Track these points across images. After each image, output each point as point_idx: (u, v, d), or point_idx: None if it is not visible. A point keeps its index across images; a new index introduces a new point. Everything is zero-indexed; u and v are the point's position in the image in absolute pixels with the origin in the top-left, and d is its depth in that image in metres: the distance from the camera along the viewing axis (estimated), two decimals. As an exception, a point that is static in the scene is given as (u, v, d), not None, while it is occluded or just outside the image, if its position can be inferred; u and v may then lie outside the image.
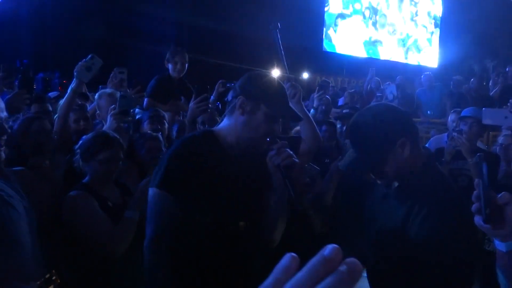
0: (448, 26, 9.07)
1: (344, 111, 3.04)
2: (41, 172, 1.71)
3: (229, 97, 1.34)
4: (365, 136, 1.17)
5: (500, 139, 2.49)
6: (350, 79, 8.12)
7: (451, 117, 3.03)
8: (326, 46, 8.54)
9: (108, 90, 2.43)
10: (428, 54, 9.32)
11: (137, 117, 2.59)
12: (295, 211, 1.48)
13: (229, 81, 2.88)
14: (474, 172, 2.39)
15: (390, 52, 8.93)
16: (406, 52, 9.11)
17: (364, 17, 8.73)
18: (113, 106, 2.01)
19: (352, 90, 5.68)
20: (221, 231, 1.21)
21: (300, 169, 1.54)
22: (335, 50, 8.57)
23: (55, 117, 2.25)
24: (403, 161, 1.14)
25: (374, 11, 8.84)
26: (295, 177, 1.17)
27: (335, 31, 8.58)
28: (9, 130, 1.70)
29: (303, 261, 0.36)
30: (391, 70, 7.00)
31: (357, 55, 8.56)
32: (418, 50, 9.24)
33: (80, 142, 1.68)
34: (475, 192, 0.80)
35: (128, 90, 2.41)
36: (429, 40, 9.36)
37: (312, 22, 8.26)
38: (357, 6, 8.63)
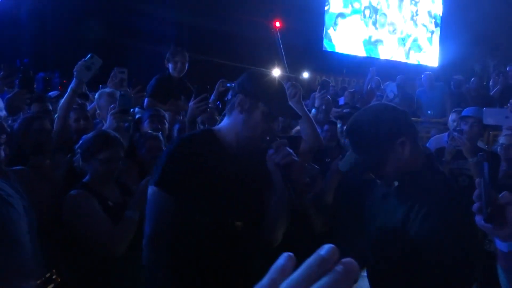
0: (449, 25, 9.07)
1: (344, 110, 3.03)
2: (41, 171, 1.71)
3: (229, 96, 1.33)
4: (365, 136, 1.17)
5: (501, 139, 2.49)
6: (350, 78, 8.11)
7: (451, 116, 3.03)
8: (326, 46, 8.54)
9: (108, 90, 2.43)
10: (428, 54, 9.31)
11: (137, 116, 2.59)
12: (295, 210, 1.47)
13: (229, 80, 2.87)
14: (475, 172, 2.39)
15: (390, 51, 8.92)
16: (408, 52, 9.10)
17: (364, 16, 8.73)
18: (112, 105, 2.01)
19: (353, 90, 5.67)
20: (220, 230, 1.21)
21: (300, 168, 1.53)
22: (335, 49, 8.57)
23: (55, 116, 2.25)
24: (403, 161, 1.14)
25: (374, 10, 8.83)
26: (294, 176, 1.17)
27: (335, 30, 8.58)
28: (9, 130, 1.70)
29: (303, 261, 0.35)
30: (391, 70, 7.00)
31: (357, 55, 8.56)
32: (419, 49, 9.23)
33: (81, 141, 1.68)
34: (476, 192, 0.80)
35: (128, 90, 2.41)
36: (430, 40, 9.36)
37: (312, 21, 8.26)
38: (356, 5, 8.63)
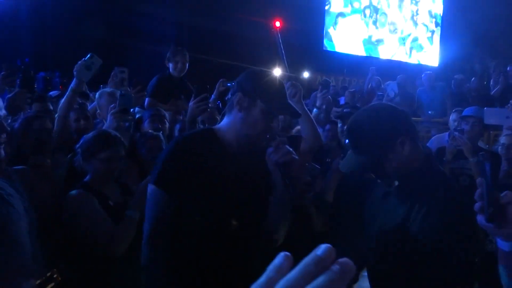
0: (449, 25, 9.06)
1: (344, 110, 3.03)
2: (41, 171, 1.71)
3: (230, 95, 1.33)
4: (364, 136, 1.17)
5: (502, 139, 2.48)
6: (351, 78, 8.11)
7: (452, 116, 3.02)
8: (326, 45, 8.54)
9: (108, 89, 2.43)
10: (429, 53, 9.30)
11: (137, 116, 2.59)
12: (295, 210, 1.47)
13: (229, 80, 2.87)
14: (476, 172, 2.39)
15: (390, 51, 8.92)
16: (410, 51, 9.09)
17: (365, 15, 8.73)
18: (113, 105, 2.01)
19: (353, 89, 5.67)
20: (219, 229, 1.20)
21: (300, 167, 1.53)
22: (335, 49, 8.57)
23: (56, 116, 2.25)
24: (403, 160, 1.14)
25: (375, 9, 8.83)
26: (294, 175, 1.16)
27: (335, 30, 8.57)
28: (9, 129, 1.70)
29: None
30: (391, 69, 7.00)
31: (357, 54, 8.55)
32: (419, 49, 9.23)
33: (81, 141, 1.68)
34: (478, 191, 0.80)
35: (129, 90, 2.41)
36: (430, 39, 9.35)
37: (312, 21, 8.26)
38: (356, 5, 8.62)
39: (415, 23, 9.17)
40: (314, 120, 1.99)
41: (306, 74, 7.29)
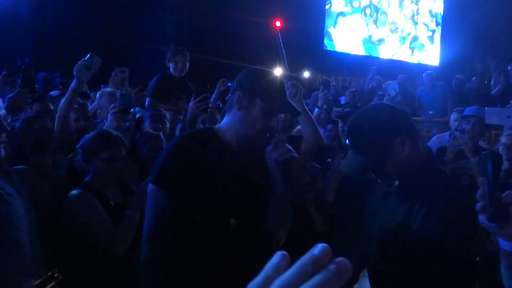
0: (450, 24, 9.05)
1: (345, 110, 3.03)
2: (42, 171, 1.71)
3: (230, 94, 1.33)
4: (364, 136, 1.17)
5: (503, 139, 2.48)
6: (351, 78, 8.11)
7: (453, 116, 3.02)
8: (327, 45, 8.53)
9: (109, 89, 2.43)
10: (429, 53, 9.30)
11: (137, 116, 2.58)
12: (295, 209, 1.47)
13: (230, 80, 2.87)
14: (477, 171, 2.39)
15: (391, 50, 8.91)
16: (412, 51, 9.08)
17: (365, 15, 8.72)
18: (113, 105, 2.01)
19: (353, 89, 5.67)
20: (219, 229, 1.20)
21: (300, 165, 1.52)
22: (335, 48, 8.56)
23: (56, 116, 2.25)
24: (403, 159, 1.14)
25: (375, 9, 8.82)
26: (294, 173, 1.16)
27: (335, 29, 8.57)
28: (9, 128, 1.70)
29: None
30: (392, 69, 6.99)
31: (357, 54, 8.55)
32: (420, 48, 9.22)
33: (82, 141, 1.68)
34: (479, 191, 0.79)
35: (130, 89, 2.41)
36: (430, 39, 9.34)
37: (313, 20, 8.25)
38: (356, 4, 8.61)
39: (416, 23, 9.16)
40: (314, 120, 1.98)
41: (306, 74, 7.29)
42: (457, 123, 2.78)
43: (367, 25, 8.75)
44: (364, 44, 8.71)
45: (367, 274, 1.31)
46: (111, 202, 1.62)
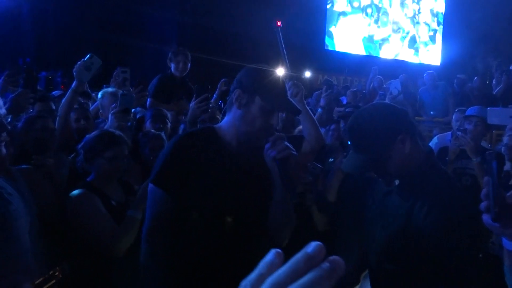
0: (451, 23, 9.03)
1: (347, 110, 3.03)
2: (44, 170, 1.72)
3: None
4: (365, 135, 1.17)
5: (505, 139, 2.47)
6: (352, 77, 8.10)
7: (455, 116, 3.01)
8: (328, 44, 8.52)
9: (110, 89, 2.43)
10: (431, 52, 9.28)
11: (138, 116, 2.59)
12: (296, 209, 1.46)
13: (231, 80, 2.86)
14: (479, 171, 2.38)
15: (392, 50, 8.90)
16: (410, 51, 9.07)
17: (367, 14, 8.71)
18: (114, 104, 2.01)
19: (355, 89, 5.66)
20: (218, 228, 1.20)
21: (299, 164, 1.50)
22: (335, 48, 8.55)
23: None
24: (404, 158, 1.14)
25: (377, 8, 8.81)
26: (293, 172, 1.14)
27: (336, 28, 8.56)
28: (10, 128, 1.70)
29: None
30: (393, 69, 6.98)
31: (358, 53, 8.54)
32: (421, 48, 9.20)
33: (83, 141, 1.68)
34: (484, 190, 0.79)
35: (131, 89, 2.41)
36: (432, 38, 9.32)
37: (314, 20, 8.24)
38: (355, 4, 8.60)
39: (417, 22, 9.14)
40: (316, 120, 1.98)
41: (307, 74, 7.28)
42: (458, 123, 2.77)
43: (369, 25, 8.74)
44: (364, 43, 8.70)
45: (368, 275, 1.31)
46: (113, 202, 1.62)
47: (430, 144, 2.81)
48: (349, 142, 1.35)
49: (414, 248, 1.08)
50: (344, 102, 4.94)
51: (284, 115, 2.20)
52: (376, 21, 8.79)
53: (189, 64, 3.09)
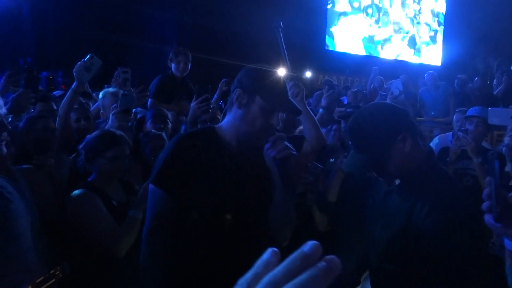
0: (452, 24, 9.03)
1: (347, 110, 3.03)
2: (45, 170, 1.72)
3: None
4: (365, 134, 1.17)
5: (506, 140, 2.47)
6: (353, 77, 8.10)
7: (456, 116, 3.01)
8: (328, 44, 8.52)
9: (111, 89, 2.43)
10: (431, 53, 9.27)
11: (138, 116, 2.59)
12: (298, 209, 1.46)
13: (232, 80, 2.86)
14: (480, 172, 2.38)
15: (393, 50, 8.89)
16: (414, 51, 9.06)
17: (367, 14, 8.70)
18: (114, 105, 2.01)
19: (355, 89, 5.66)
20: (219, 228, 1.20)
21: (298, 164, 1.50)
22: (335, 48, 8.55)
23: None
24: (405, 157, 1.14)
25: (377, 9, 8.80)
26: (292, 172, 1.14)
27: (337, 29, 8.56)
28: (10, 127, 1.69)
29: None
30: (394, 69, 6.98)
31: (359, 54, 8.54)
32: (422, 48, 9.20)
33: (85, 141, 1.68)
34: (486, 190, 0.79)
35: (132, 89, 2.41)
36: (433, 38, 9.31)
37: (314, 20, 8.24)
38: (356, 4, 8.60)
39: (418, 22, 9.14)
40: (316, 120, 1.97)
41: (308, 74, 7.28)
42: (459, 123, 2.77)
43: (369, 25, 8.74)
44: (364, 43, 8.70)
45: (368, 277, 1.31)
46: (114, 202, 1.63)
47: (431, 144, 2.80)
48: (350, 142, 1.35)
49: (414, 248, 1.08)
50: (345, 102, 4.94)
51: (284, 115, 2.20)
52: (377, 22, 8.79)
53: (189, 65, 3.10)
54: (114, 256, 1.53)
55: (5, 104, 2.07)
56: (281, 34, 2.51)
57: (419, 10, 9.15)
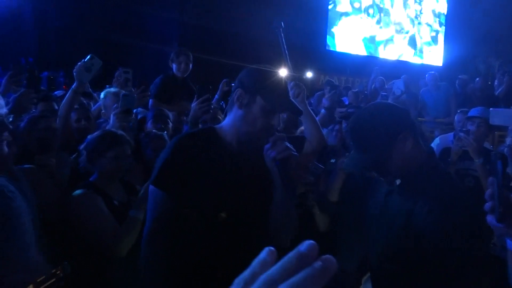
0: (453, 24, 9.02)
1: (348, 110, 3.02)
2: (47, 170, 1.72)
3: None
4: (366, 134, 1.17)
5: (508, 140, 2.46)
6: (354, 78, 8.09)
7: (457, 117, 3.01)
8: (329, 45, 8.52)
9: (113, 89, 2.44)
10: (433, 53, 9.26)
11: (139, 116, 2.59)
12: (299, 209, 1.46)
13: (233, 80, 2.86)
14: (481, 173, 2.37)
15: (394, 50, 8.89)
16: (415, 51, 9.06)
17: (368, 15, 8.70)
18: (115, 105, 2.01)
19: (356, 90, 5.66)
20: (219, 229, 1.20)
21: (299, 165, 1.50)
22: (336, 48, 8.55)
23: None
24: (405, 157, 1.13)
25: (379, 9, 8.80)
26: (293, 173, 1.13)
27: (338, 29, 8.56)
28: (11, 127, 1.70)
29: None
30: (395, 69, 6.97)
31: (360, 54, 8.54)
32: (423, 48, 9.19)
33: (86, 141, 1.68)
34: (488, 191, 0.79)
35: (133, 90, 2.41)
36: (434, 39, 9.31)
37: (315, 20, 8.24)
38: (356, 5, 8.60)
39: (419, 23, 9.13)
40: (317, 121, 1.97)
41: (309, 74, 7.28)
42: (461, 124, 2.77)
43: (371, 26, 8.73)
44: (364, 44, 8.69)
45: (370, 279, 1.30)
46: (115, 202, 1.63)
47: (432, 144, 2.80)
48: (350, 142, 1.35)
49: (415, 248, 1.08)
50: (346, 102, 4.94)
51: (285, 115, 2.20)
52: (378, 22, 8.79)
53: (190, 65, 3.10)
54: (115, 256, 1.54)
55: (7, 104, 2.07)
56: (282, 34, 2.51)
57: (421, 10, 9.14)
